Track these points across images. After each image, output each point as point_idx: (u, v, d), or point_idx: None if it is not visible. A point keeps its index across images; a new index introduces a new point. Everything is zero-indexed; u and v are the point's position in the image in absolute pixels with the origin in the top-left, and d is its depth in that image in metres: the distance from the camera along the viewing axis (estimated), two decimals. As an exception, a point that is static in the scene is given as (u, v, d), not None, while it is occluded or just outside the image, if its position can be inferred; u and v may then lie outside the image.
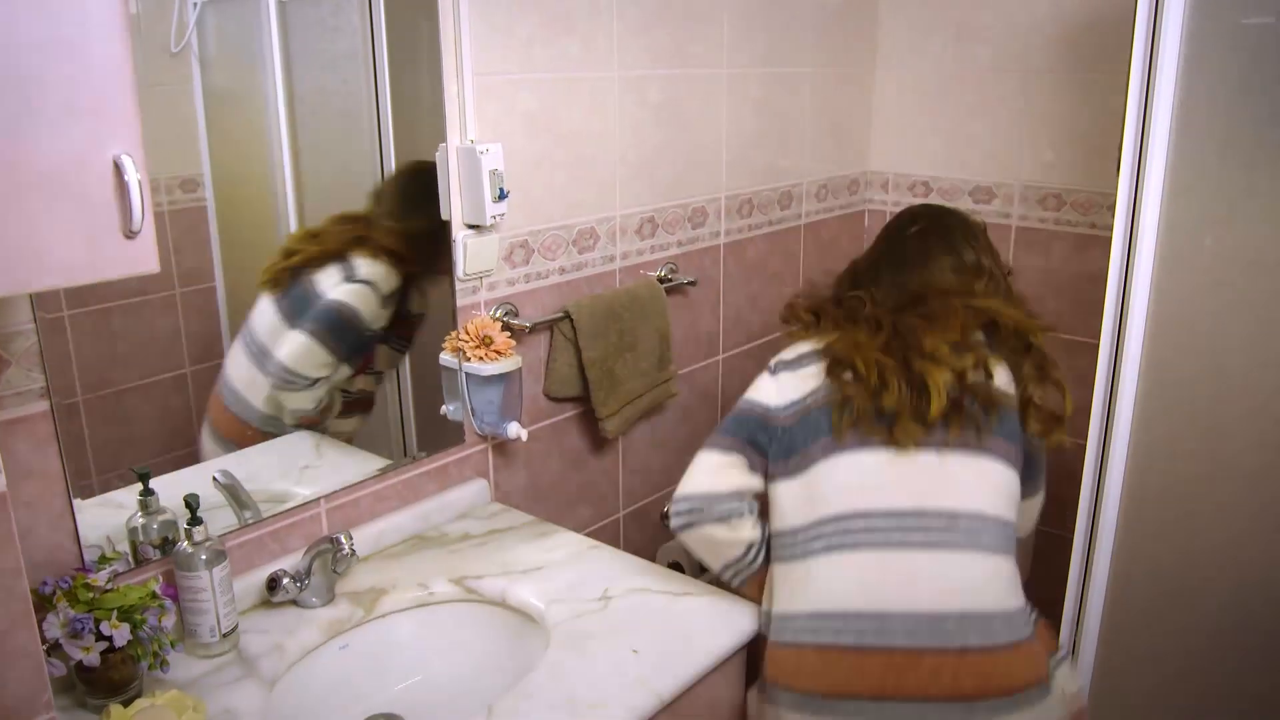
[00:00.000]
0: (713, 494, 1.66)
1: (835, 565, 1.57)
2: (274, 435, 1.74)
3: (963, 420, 1.61)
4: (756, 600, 1.66)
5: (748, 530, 1.65)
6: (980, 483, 1.60)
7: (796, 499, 1.63)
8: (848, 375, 1.65)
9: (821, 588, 1.57)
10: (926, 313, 1.70)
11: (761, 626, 1.62)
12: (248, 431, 1.70)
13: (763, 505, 1.70)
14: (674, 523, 1.69)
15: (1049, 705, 1.53)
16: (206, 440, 1.66)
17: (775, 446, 1.67)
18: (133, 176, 1.02)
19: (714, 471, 1.68)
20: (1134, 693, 1.88)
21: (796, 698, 1.54)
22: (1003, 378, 1.68)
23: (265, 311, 1.71)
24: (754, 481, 1.68)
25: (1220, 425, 1.70)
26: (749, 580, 1.67)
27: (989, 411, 1.62)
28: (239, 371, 1.68)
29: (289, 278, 1.74)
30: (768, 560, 1.67)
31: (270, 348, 1.71)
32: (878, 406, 1.61)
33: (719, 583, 1.73)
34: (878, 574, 1.55)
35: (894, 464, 1.60)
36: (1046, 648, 1.59)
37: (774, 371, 1.75)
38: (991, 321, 1.71)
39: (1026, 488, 1.72)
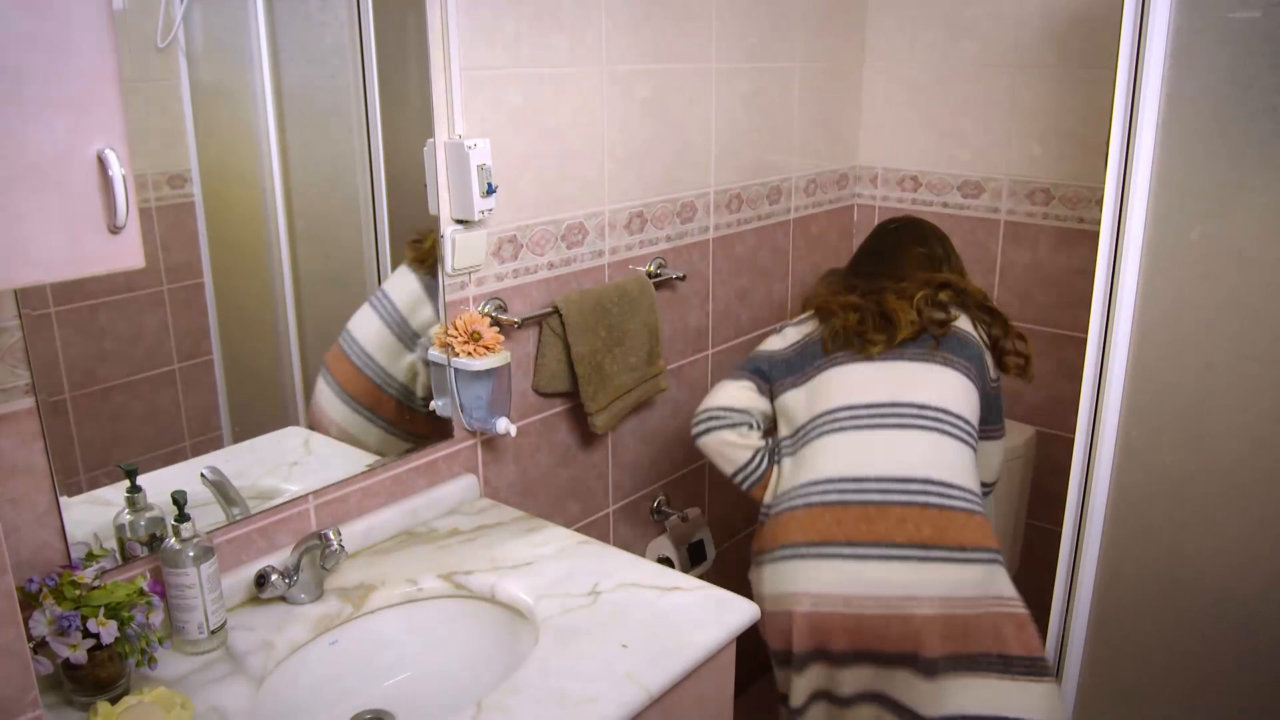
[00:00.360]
0: (729, 407, 2.03)
1: (824, 445, 1.92)
2: (408, 405, 1.92)
3: (926, 340, 1.99)
4: (759, 500, 2.02)
5: (756, 439, 2.02)
6: (943, 387, 1.94)
7: (800, 403, 2.01)
8: (833, 316, 2.06)
9: (813, 464, 1.91)
10: (895, 275, 2.12)
11: (761, 517, 1.99)
12: (382, 397, 1.88)
13: (768, 425, 2.09)
14: (695, 430, 2.05)
15: (994, 572, 1.80)
16: (325, 391, 1.80)
17: (778, 371, 2.06)
18: (117, 171, 1.02)
19: (731, 391, 2.06)
20: (1122, 685, 1.89)
21: (784, 550, 1.87)
22: (963, 322, 2.05)
23: (407, 283, 1.85)
24: (763, 403, 2.06)
25: (1207, 419, 1.70)
26: (755, 485, 2.02)
27: (946, 331, 2.00)
28: (368, 334, 1.83)
29: (435, 257, 1.85)
30: (770, 466, 2.01)
31: (410, 319, 1.86)
32: (857, 331, 2.01)
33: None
34: (858, 447, 1.89)
35: (873, 371, 1.97)
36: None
37: (779, 330, 2.17)
38: (949, 286, 2.08)
39: (988, 430, 2.09)
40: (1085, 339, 1.76)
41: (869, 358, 1.98)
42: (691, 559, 2.50)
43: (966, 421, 1.92)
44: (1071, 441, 1.81)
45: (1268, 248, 1.60)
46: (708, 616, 1.57)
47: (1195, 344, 1.69)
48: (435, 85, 1.75)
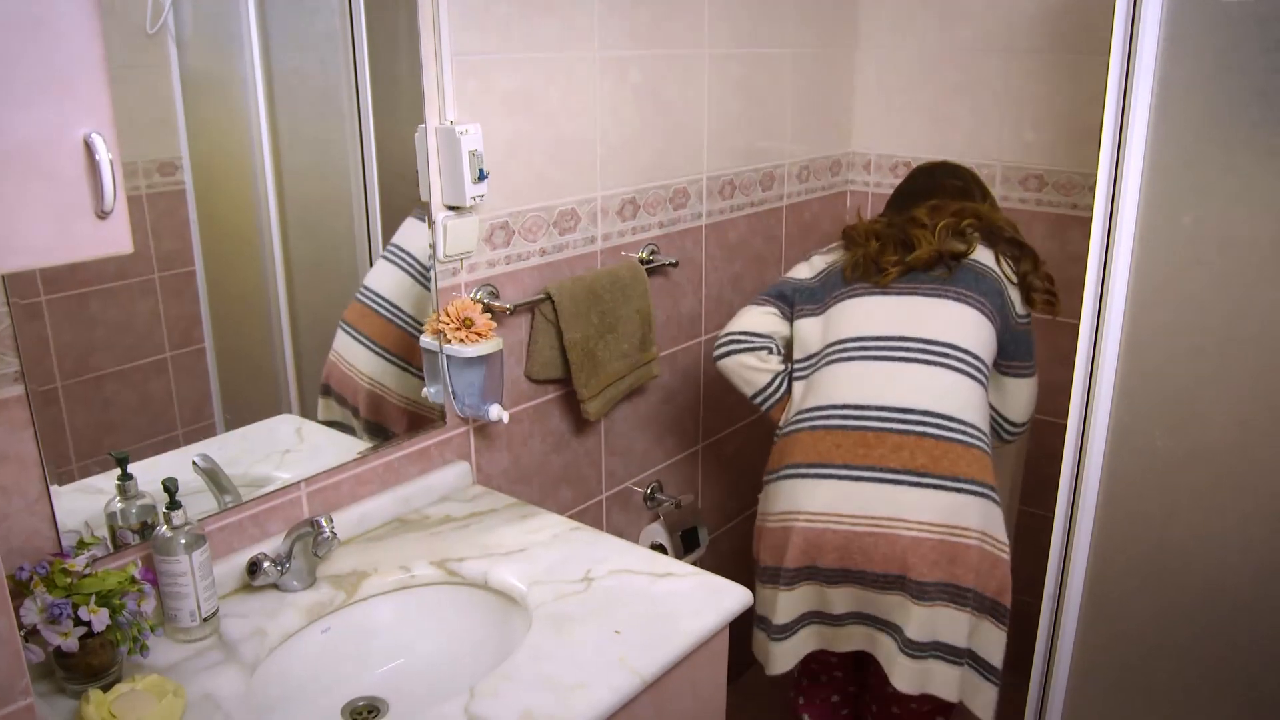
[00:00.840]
0: (750, 331, 2.12)
1: (833, 373, 2.00)
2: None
3: (942, 272, 2.05)
4: (778, 421, 2.10)
5: (775, 363, 2.11)
6: (953, 322, 1.99)
7: (815, 330, 2.09)
8: (856, 244, 2.14)
9: (821, 390, 2.00)
10: (926, 207, 2.16)
11: (775, 438, 2.07)
12: (415, 345, 1.89)
13: (788, 349, 2.16)
14: (716, 353, 2.14)
15: (989, 508, 1.87)
16: (353, 347, 1.85)
17: (801, 297, 2.14)
18: (104, 156, 1.01)
19: (754, 316, 2.14)
20: (1115, 669, 1.89)
21: (787, 469, 1.95)
22: (984, 255, 2.09)
23: (419, 232, 1.84)
24: (784, 328, 2.15)
25: (1199, 404, 1.70)
26: (774, 406, 2.11)
27: (960, 263, 2.05)
28: (391, 286, 1.87)
29: None
30: (789, 389, 2.10)
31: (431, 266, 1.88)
32: (877, 261, 2.07)
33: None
34: (863, 377, 1.96)
35: (886, 304, 2.04)
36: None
37: (808, 257, 2.25)
38: (976, 216, 2.12)
39: (1016, 367, 2.14)
40: (1078, 325, 1.75)
41: (884, 289, 2.05)
42: (685, 546, 2.50)
43: (974, 356, 1.98)
44: (1064, 427, 1.81)
45: (1259, 232, 1.59)
46: (701, 603, 1.58)
47: (1187, 329, 1.69)
48: (426, 71, 1.75)
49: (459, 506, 1.90)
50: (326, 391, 1.84)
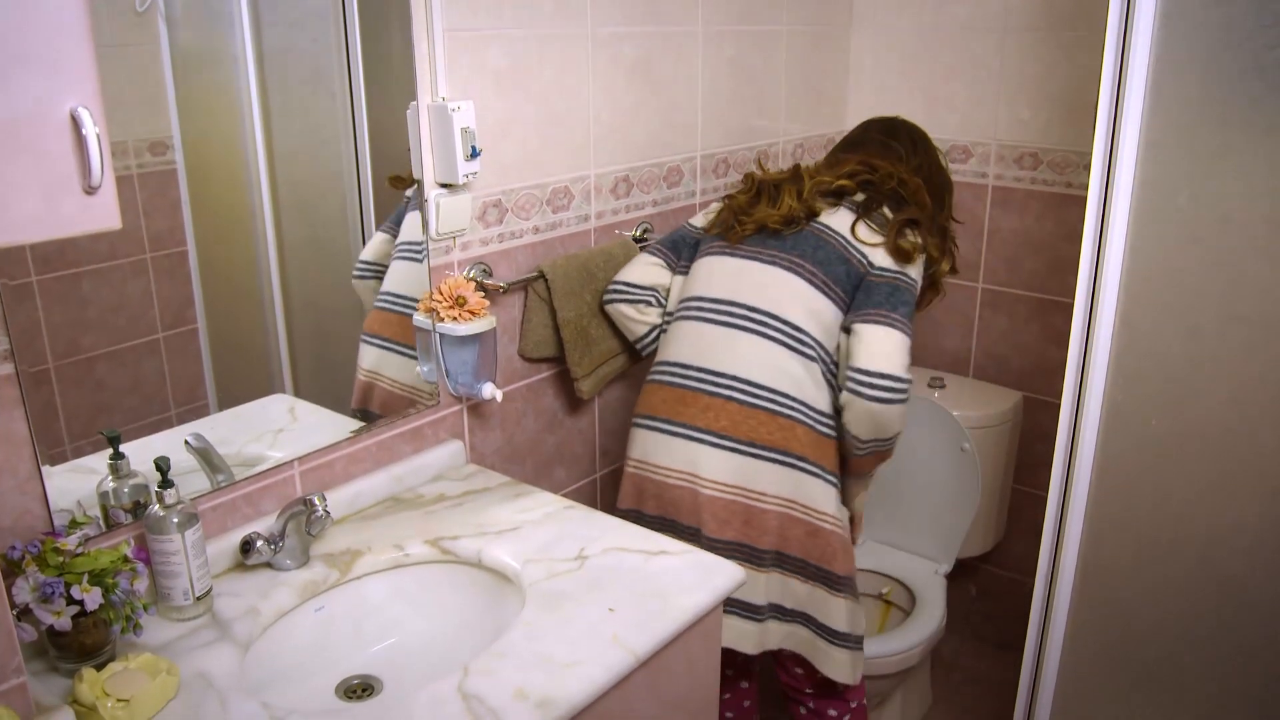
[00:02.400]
0: (633, 283, 2.15)
1: (674, 331, 2.07)
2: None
3: (789, 232, 2.03)
4: None
5: (654, 315, 2.16)
6: (781, 292, 1.98)
7: (678, 287, 2.14)
8: (732, 196, 2.17)
9: (665, 346, 2.09)
10: (830, 161, 2.21)
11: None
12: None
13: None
14: (604, 298, 2.17)
15: (798, 479, 1.92)
16: (394, 362, 1.91)
17: (684, 251, 2.17)
18: (90, 130, 1.00)
19: (641, 267, 2.16)
20: (1107, 646, 1.90)
21: (634, 418, 2.07)
22: (839, 219, 2.02)
23: (418, 218, 1.84)
24: (668, 279, 2.17)
25: (1193, 383, 1.70)
26: (654, 353, 2.16)
27: (805, 224, 2.03)
28: (400, 279, 1.87)
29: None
30: None
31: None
32: (738, 216, 2.09)
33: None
34: (692, 338, 2.02)
35: (727, 267, 2.05)
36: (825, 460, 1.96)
37: (708, 205, 2.26)
38: (867, 177, 2.06)
39: (865, 314, 1.93)
40: (1072, 304, 1.75)
41: (732, 250, 2.06)
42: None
43: (795, 328, 1.95)
44: (1058, 407, 1.81)
45: (1256, 210, 1.59)
46: (694, 580, 1.58)
47: (1182, 308, 1.69)
48: (418, 47, 1.74)
49: (452, 485, 1.90)
50: (366, 415, 1.85)
